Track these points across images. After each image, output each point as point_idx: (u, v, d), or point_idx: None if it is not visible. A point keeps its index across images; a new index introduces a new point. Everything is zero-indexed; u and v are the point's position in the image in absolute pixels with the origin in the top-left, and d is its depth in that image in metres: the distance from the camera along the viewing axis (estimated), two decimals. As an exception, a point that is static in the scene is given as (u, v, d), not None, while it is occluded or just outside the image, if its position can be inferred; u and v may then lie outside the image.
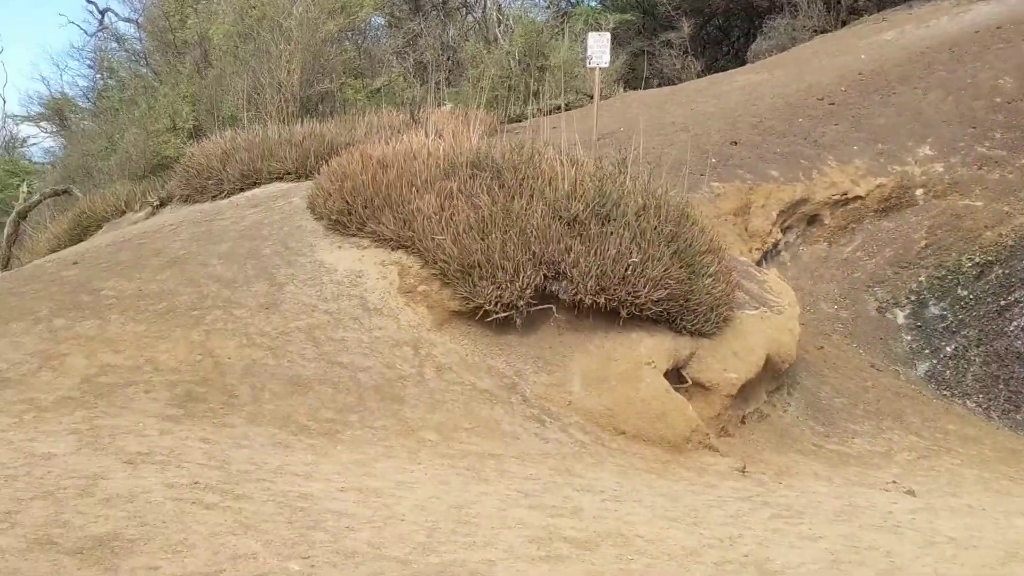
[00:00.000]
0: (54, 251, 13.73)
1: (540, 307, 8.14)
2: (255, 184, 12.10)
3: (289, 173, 12.01)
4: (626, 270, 8.07)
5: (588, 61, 13.67)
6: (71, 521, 4.39)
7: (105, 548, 4.12)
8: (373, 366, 7.47)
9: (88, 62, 25.05)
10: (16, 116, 27.67)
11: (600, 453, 7.21)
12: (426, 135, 10.41)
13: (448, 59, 18.13)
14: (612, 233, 8.31)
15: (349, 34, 18.38)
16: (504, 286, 7.91)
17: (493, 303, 7.93)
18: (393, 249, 8.76)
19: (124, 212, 14.56)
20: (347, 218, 9.10)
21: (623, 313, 8.12)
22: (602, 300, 8.05)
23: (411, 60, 19.04)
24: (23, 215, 17.94)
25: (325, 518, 4.89)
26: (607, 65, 14.24)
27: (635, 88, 19.81)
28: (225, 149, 12.75)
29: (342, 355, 7.52)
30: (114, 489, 4.89)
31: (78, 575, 3.84)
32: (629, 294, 8.04)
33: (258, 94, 15.48)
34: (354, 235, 9.04)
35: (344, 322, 7.99)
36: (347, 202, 9.13)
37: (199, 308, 7.83)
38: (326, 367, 7.32)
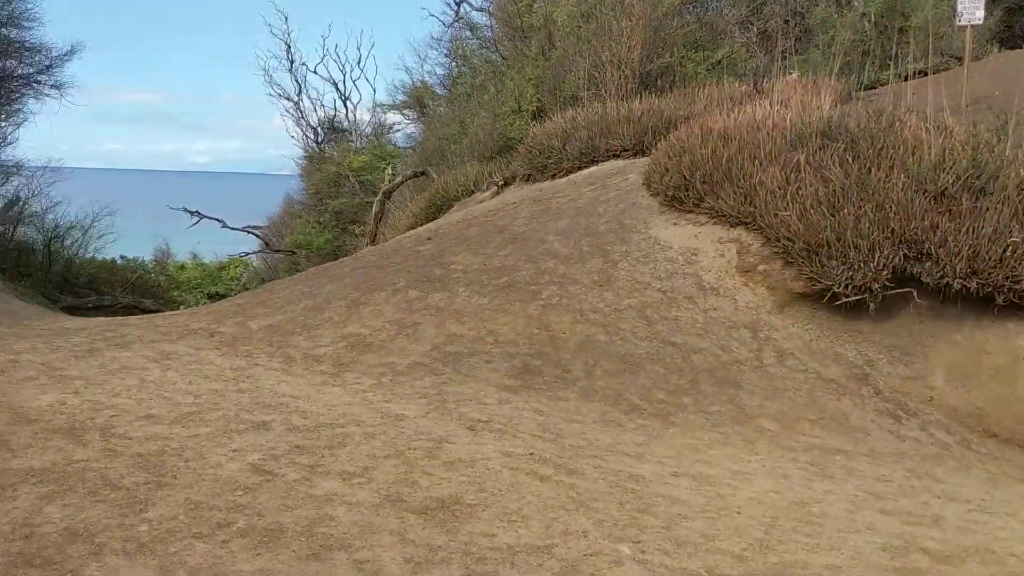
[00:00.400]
0: (412, 228, 14.91)
1: (898, 291, 7.35)
2: (593, 162, 12.26)
3: (626, 150, 12.02)
4: (1005, 251, 7.04)
5: (958, 19, 12.15)
6: (418, 481, 4.63)
7: (446, 511, 4.29)
8: (707, 348, 7.19)
9: (444, 51, 26.87)
10: (384, 104, 30.36)
11: (966, 457, 6.37)
12: (770, 105, 9.85)
13: (795, 26, 17.09)
14: (988, 209, 7.29)
15: (690, 7, 17.98)
16: (856, 267, 7.24)
17: (843, 285, 7.30)
18: (732, 226, 8.38)
19: (472, 192, 15.44)
20: (684, 194, 8.86)
21: (999, 299, 7.10)
22: (973, 285, 7.09)
23: (755, 29, 18.22)
24: (388, 195, 19.71)
25: (656, 502, 4.74)
26: (980, 22, 12.58)
27: (1012, 47, 17.41)
28: (565, 128, 13.03)
29: (675, 335, 7.32)
30: (456, 453, 5.10)
31: (422, 534, 4.01)
32: (1007, 278, 7.01)
33: (598, 72, 15.61)
34: (690, 211, 8.78)
35: (678, 301, 7.78)
36: (684, 177, 8.89)
37: (536, 283, 8.01)
38: (658, 346, 7.16)
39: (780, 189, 7.95)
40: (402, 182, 20.13)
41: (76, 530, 3.81)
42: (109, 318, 10.11)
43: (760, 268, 7.92)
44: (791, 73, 13.68)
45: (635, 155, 11.76)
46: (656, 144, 10.37)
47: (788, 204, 7.78)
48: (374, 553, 3.80)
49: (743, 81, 13.23)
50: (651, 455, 5.64)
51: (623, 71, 15.00)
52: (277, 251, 27.75)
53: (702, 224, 8.61)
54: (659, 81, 15.25)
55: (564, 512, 4.41)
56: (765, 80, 12.54)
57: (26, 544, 3.66)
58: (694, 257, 8.32)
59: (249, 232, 29.14)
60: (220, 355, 7.02)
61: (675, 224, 8.82)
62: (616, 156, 12.09)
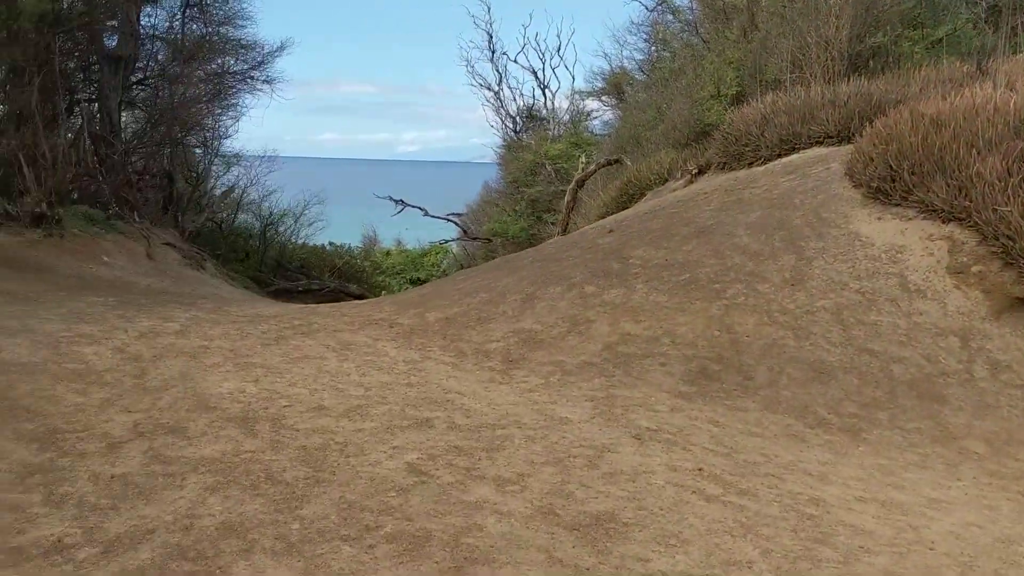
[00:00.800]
0: (602, 217, 14.68)
1: None
2: (793, 149, 11.54)
3: (830, 136, 11.23)
4: None
5: None
6: (574, 493, 4.41)
7: (600, 528, 4.05)
8: (909, 357, 6.51)
9: (644, 36, 26.35)
10: (582, 91, 30.23)
11: None
12: (994, 87, 8.83)
13: (1031, -2, 15.36)
14: None
15: (909, -20, 16.58)
16: (1090, 271, 6.34)
17: (1073, 291, 6.41)
18: (944, 221, 7.58)
19: (666, 180, 14.98)
20: (890, 185, 8.10)
21: None
22: None
23: (983, 4, 16.56)
24: (581, 184, 19.51)
25: (836, 532, 4.28)
26: None
27: None
28: (764, 114, 12.36)
29: (873, 341, 6.68)
30: (619, 464, 4.85)
31: (571, 553, 3.80)
32: None
33: (803, 54, 14.71)
34: (897, 204, 8.02)
35: (878, 303, 7.11)
36: (891, 167, 8.13)
37: (720, 281, 7.57)
38: (853, 354, 6.56)
39: (1000, 181, 7.09)
40: (595, 170, 19.87)
41: (232, 524, 3.88)
42: (302, 305, 10.56)
43: (974, 269, 7.10)
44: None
45: (840, 142, 10.97)
46: (863, 130, 9.59)
47: (1009, 198, 6.92)
48: (518, 571, 3.62)
49: (966, 61, 12.00)
50: (836, 476, 5.14)
51: (830, 52, 14.04)
52: (474, 238, 28.30)
53: (909, 219, 7.84)
54: (870, 63, 14.15)
55: (729, 538, 4.07)
56: (991, 60, 11.30)
57: (184, 536, 3.76)
58: (899, 255, 7.59)
59: (449, 220, 29.88)
60: (395, 347, 7.09)
61: (879, 218, 8.09)
62: (819, 143, 11.34)
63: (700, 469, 4.89)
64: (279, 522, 3.93)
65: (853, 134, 10.36)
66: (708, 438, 5.45)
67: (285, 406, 5.51)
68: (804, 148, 11.32)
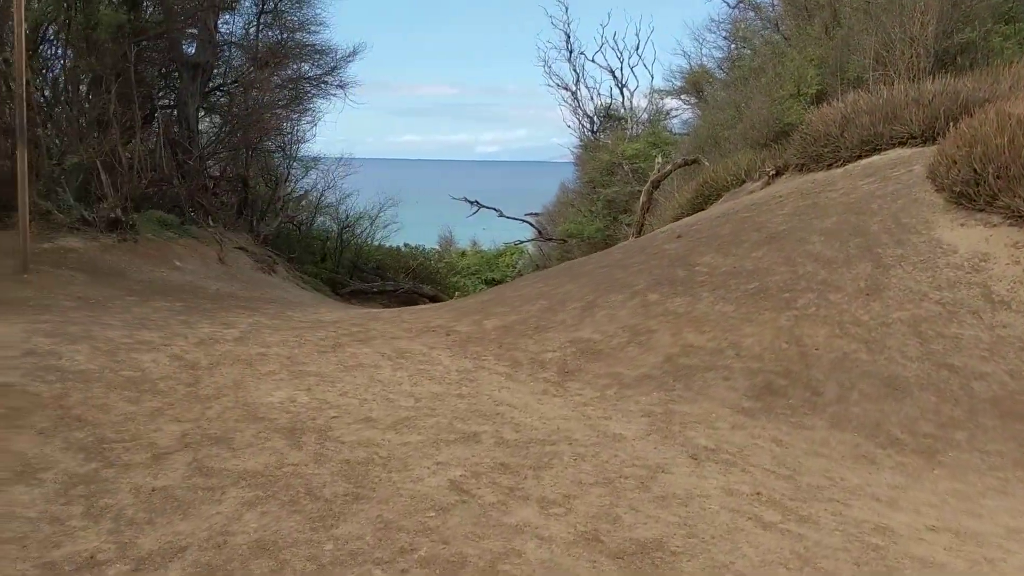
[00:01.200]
0: (676, 219, 14.33)
1: None
2: (874, 150, 11.06)
3: (914, 137, 10.71)
4: None
5: None
6: (622, 518, 4.22)
7: (646, 557, 3.85)
8: (992, 373, 6.10)
9: (723, 34, 25.82)
10: (660, 90, 29.81)
11: None
12: (1092, 83, 8.28)
13: None
14: None
15: (1000, -28, 15.79)
16: None
17: None
18: (1032, 228, 7.11)
19: (743, 181, 14.57)
20: (974, 190, 7.65)
21: None
22: None
23: (1084, -9, 15.66)
24: (656, 184, 19.13)
25: (903, 565, 3.99)
26: None
27: None
28: (844, 114, 11.88)
29: (953, 356, 6.28)
30: (672, 486, 4.63)
31: (613, 583, 3.61)
32: None
33: (887, 51, 14.14)
34: (982, 210, 7.57)
35: (959, 315, 6.69)
36: (975, 171, 7.67)
37: (791, 290, 7.24)
38: (931, 369, 6.17)
39: (1097, 186, 6.61)
40: (670, 171, 19.47)
41: (265, 543, 3.80)
42: (365, 310, 10.55)
43: (1067, 280, 6.63)
44: None
45: (924, 143, 10.45)
46: (948, 131, 9.11)
47: (1106, 204, 6.44)
48: (554, 602, 3.45)
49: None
50: (907, 502, 4.82)
51: (915, 49, 13.44)
52: (549, 239, 28.11)
53: (994, 225, 7.38)
54: (958, 59, 13.49)
55: (784, 571, 3.81)
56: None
57: (216, 554, 3.69)
58: (983, 264, 7.15)
59: (524, 220, 29.76)
60: (450, 355, 6.98)
61: (962, 225, 7.65)
62: (902, 144, 10.83)
63: (758, 493, 4.64)
64: (313, 542, 3.83)
65: (938, 134, 9.87)
66: (770, 458, 5.18)
67: (333, 417, 5.44)
68: (886, 149, 10.84)
